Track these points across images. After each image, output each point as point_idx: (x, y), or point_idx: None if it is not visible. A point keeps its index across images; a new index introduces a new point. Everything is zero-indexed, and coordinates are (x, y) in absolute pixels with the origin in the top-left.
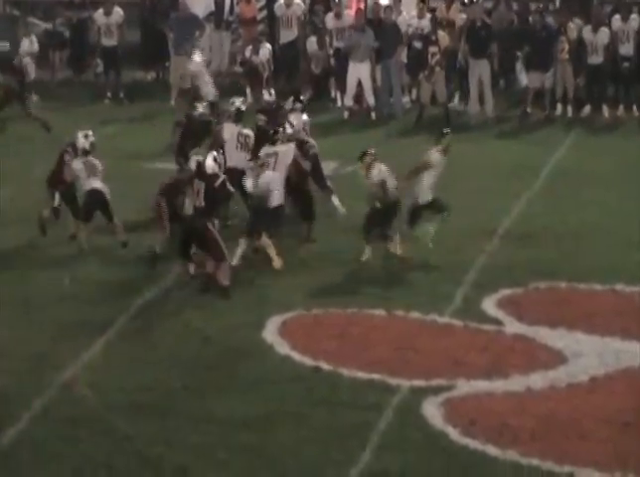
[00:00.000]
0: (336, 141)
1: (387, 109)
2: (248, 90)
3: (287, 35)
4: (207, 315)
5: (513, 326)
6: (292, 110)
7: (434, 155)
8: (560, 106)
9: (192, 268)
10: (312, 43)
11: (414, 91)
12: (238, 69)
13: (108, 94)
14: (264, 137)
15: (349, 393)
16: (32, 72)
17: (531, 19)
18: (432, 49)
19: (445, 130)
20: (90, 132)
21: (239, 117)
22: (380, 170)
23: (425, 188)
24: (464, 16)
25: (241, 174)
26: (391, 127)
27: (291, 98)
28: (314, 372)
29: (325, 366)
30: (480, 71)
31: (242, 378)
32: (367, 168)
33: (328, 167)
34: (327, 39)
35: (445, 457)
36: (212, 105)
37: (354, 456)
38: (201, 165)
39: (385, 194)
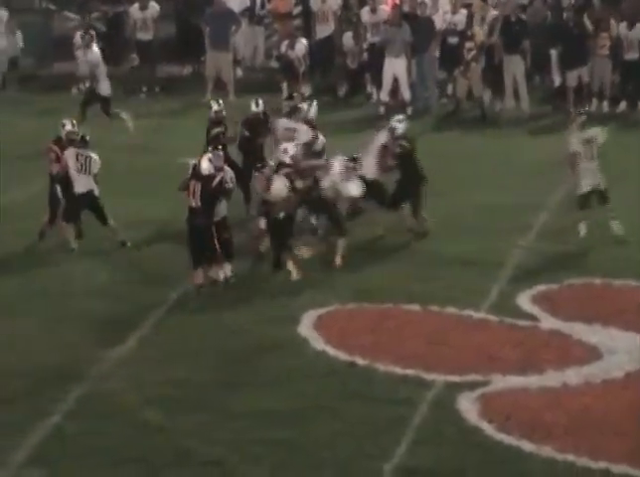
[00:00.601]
0: (372, 136)
1: (422, 104)
2: (285, 86)
3: (323, 30)
4: (242, 310)
5: (548, 322)
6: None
7: (573, 144)
8: (595, 102)
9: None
10: (348, 38)
11: (450, 86)
12: (273, 64)
13: (144, 89)
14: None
15: (384, 387)
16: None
17: (565, 15)
18: (468, 44)
19: (581, 110)
20: (68, 122)
21: (291, 113)
22: (284, 182)
23: (583, 175)
24: (495, 12)
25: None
26: (426, 122)
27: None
28: (349, 366)
29: (360, 360)
30: (514, 67)
31: (277, 372)
32: (267, 181)
33: None
34: (362, 33)
35: (480, 452)
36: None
37: (388, 451)
38: (197, 166)
39: (290, 205)
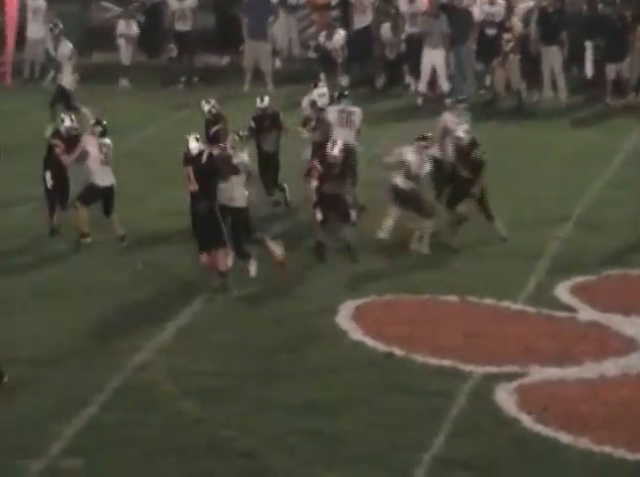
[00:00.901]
0: (410, 128)
1: (460, 96)
2: (323, 76)
3: (361, 21)
4: (280, 300)
5: (586, 313)
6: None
7: None
8: (632, 94)
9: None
10: (386, 29)
11: (488, 78)
12: (311, 54)
13: (182, 79)
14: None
15: (421, 379)
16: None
17: (600, 7)
18: (506, 35)
19: None
20: (67, 118)
21: (339, 99)
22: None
23: None
24: (531, 3)
25: (350, 151)
26: None
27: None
28: (387, 357)
29: (398, 351)
30: (551, 58)
31: (314, 363)
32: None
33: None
34: (400, 24)
35: (518, 444)
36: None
37: (425, 442)
38: (187, 151)
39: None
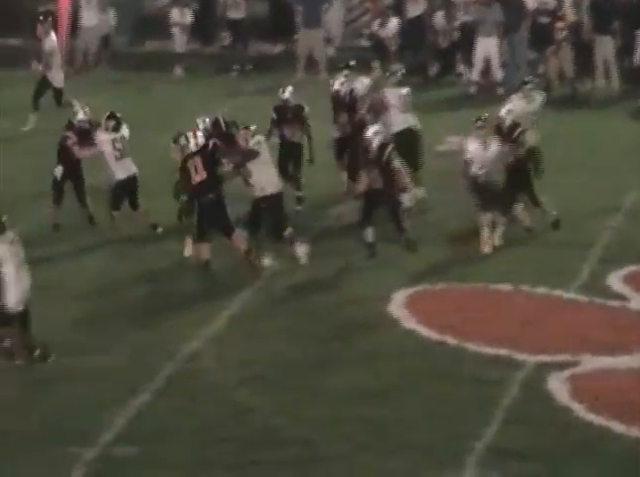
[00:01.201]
0: (463, 116)
1: (513, 84)
2: (376, 64)
3: (414, 9)
4: (332, 289)
5: (638, 302)
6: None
7: None
8: None
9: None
10: (439, 17)
11: (542, 66)
12: (365, 43)
13: (235, 67)
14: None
15: (474, 367)
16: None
17: None
18: (559, 24)
19: None
20: (80, 110)
21: (401, 82)
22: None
23: None
24: None
25: (412, 133)
26: None
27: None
28: (439, 345)
29: (450, 340)
30: (604, 47)
31: (366, 351)
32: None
33: (454, 141)
34: (453, 12)
35: (571, 433)
36: None
37: (477, 431)
38: (192, 147)
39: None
